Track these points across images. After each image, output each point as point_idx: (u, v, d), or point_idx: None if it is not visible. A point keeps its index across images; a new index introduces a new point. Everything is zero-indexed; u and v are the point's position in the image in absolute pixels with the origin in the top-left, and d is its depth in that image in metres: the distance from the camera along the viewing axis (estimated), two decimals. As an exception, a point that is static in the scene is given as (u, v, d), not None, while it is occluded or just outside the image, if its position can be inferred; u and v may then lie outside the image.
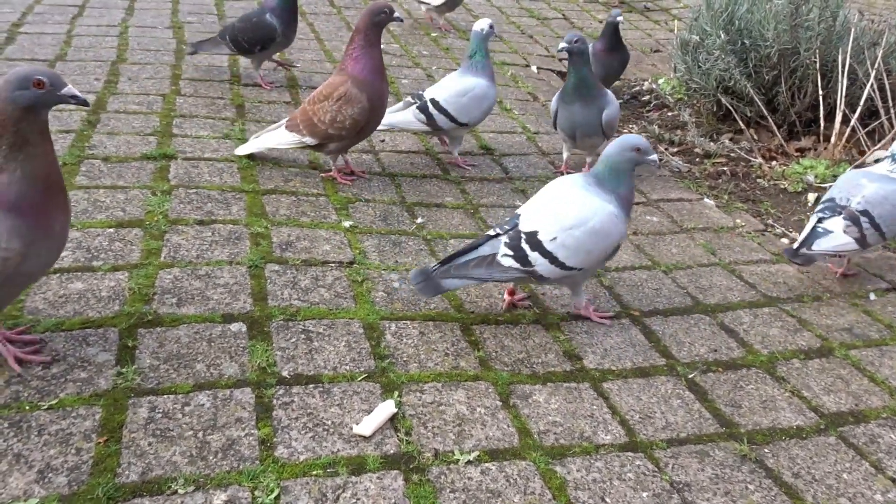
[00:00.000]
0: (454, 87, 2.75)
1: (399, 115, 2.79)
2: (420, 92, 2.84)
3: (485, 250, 1.86)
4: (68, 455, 1.37)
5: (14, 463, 1.34)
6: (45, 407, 1.47)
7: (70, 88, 1.40)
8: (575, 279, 1.92)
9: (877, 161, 2.56)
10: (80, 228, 2.07)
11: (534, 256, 1.82)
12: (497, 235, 1.89)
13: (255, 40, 3.22)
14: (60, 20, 4.01)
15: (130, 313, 1.76)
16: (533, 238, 1.83)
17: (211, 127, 2.87)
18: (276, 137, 2.57)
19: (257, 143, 2.61)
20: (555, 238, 1.82)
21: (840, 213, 2.21)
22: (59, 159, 2.41)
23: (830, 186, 2.43)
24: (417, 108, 2.75)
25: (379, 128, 2.68)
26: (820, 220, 2.24)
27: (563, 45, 2.60)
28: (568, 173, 2.80)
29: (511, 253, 1.83)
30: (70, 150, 2.51)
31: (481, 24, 2.73)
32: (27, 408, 1.46)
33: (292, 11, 3.25)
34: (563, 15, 5.44)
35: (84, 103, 1.45)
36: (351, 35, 2.53)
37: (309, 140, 2.51)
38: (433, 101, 2.73)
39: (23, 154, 1.36)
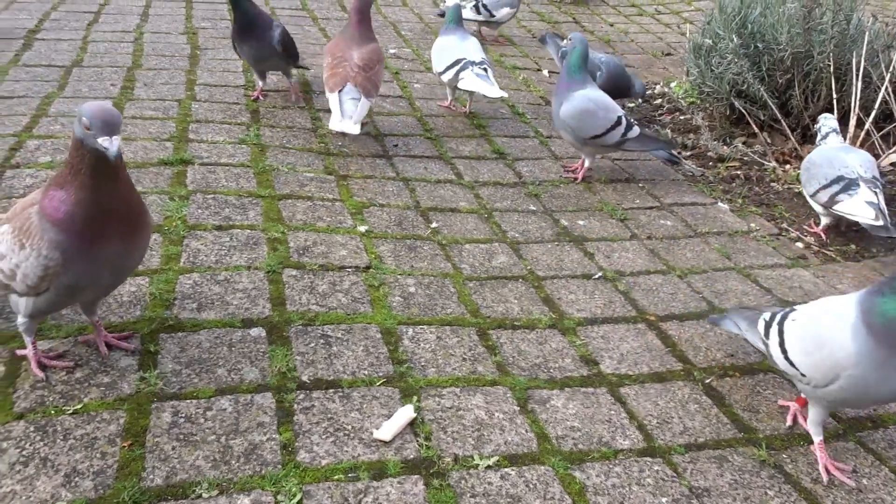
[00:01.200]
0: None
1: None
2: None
3: None
4: (94, 459, 1.39)
5: (41, 467, 1.36)
6: (70, 411, 1.49)
7: (105, 141, 1.36)
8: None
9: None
10: (100, 234, 2.09)
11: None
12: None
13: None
14: (76, 26, 4.05)
15: (152, 318, 1.78)
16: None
17: (227, 132, 2.90)
18: (364, 108, 2.83)
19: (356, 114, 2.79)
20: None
21: (869, 185, 2.48)
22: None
23: (808, 170, 2.66)
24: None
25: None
26: (850, 196, 2.47)
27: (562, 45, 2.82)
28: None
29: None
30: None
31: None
32: (53, 412, 1.48)
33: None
34: (574, 19, 5.45)
35: (110, 158, 1.38)
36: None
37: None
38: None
39: (77, 181, 1.40)
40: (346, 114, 2.77)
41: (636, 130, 2.82)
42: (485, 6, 4.36)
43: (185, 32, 4.13)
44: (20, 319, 1.55)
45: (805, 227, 2.75)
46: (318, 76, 3.70)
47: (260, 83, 3.28)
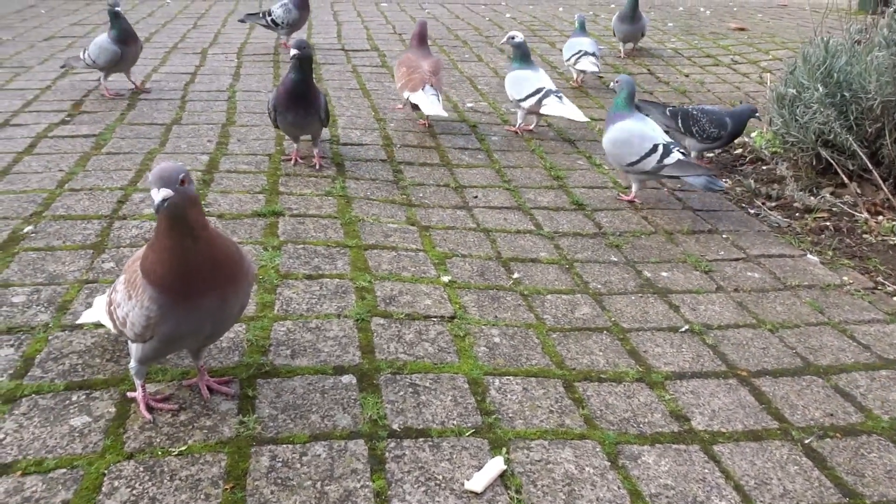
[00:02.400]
0: None
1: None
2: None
3: None
4: (198, 500, 1.44)
5: (150, 506, 1.42)
6: (176, 453, 1.56)
7: (154, 193, 1.39)
8: None
9: None
10: (200, 282, 2.21)
11: None
12: None
13: None
14: (175, 87, 4.34)
15: (249, 364, 1.85)
16: None
17: (314, 185, 3.02)
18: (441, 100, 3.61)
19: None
20: None
21: None
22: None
23: None
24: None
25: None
26: None
27: (612, 84, 3.15)
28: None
29: None
30: (188, 208, 2.69)
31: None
32: (159, 453, 1.55)
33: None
34: (649, 70, 5.47)
35: (155, 211, 1.42)
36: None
37: None
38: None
39: (157, 240, 1.49)
40: (433, 104, 3.48)
41: (675, 156, 2.93)
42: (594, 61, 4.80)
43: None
44: (132, 364, 1.64)
45: None
46: (397, 129, 3.82)
47: (295, 146, 3.28)
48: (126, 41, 3.93)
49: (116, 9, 3.90)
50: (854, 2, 7.20)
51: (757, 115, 3.59)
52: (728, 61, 5.84)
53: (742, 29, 7.22)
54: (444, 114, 3.55)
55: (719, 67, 5.66)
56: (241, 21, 5.78)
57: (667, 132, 3.47)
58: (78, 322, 1.94)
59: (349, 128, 3.77)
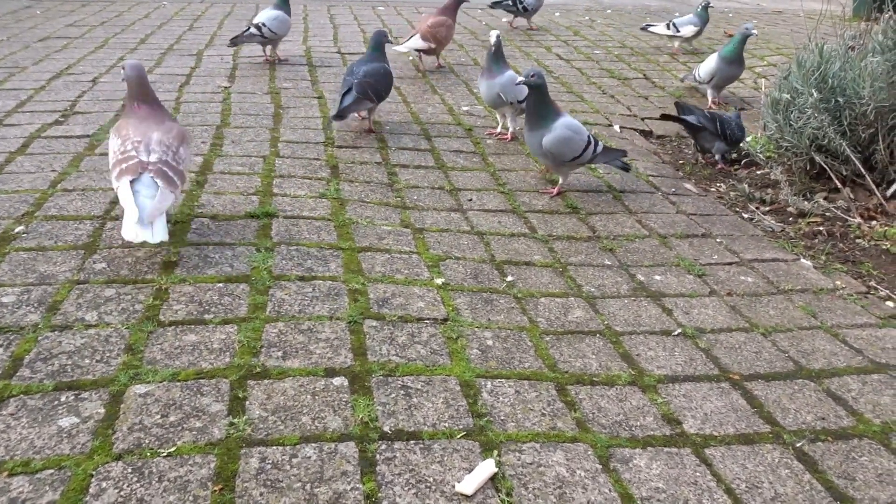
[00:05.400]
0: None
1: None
2: None
3: None
4: (187, 502, 1.43)
5: (138, 507, 1.41)
6: (165, 454, 1.55)
7: None
8: None
9: None
10: (192, 283, 2.20)
11: None
12: None
13: (388, 89, 3.77)
14: (170, 88, 4.33)
15: (240, 365, 1.84)
16: None
17: (308, 187, 3.01)
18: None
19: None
20: None
21: None
22: (172, 217, 2.59)
23: None
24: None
25: None
26: None
27: (520, 79, 3.08)
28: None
29: None
30: (181, 209, 2.68)
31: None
32: (148, 454, 1.54)
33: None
34: (644, 75, 5.48)
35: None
36: None
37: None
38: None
39: None
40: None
41: (601, 146, 3.18)
42: (673, 24, 5.07)
43: (268, 92, 4.36)
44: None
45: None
46: (393, 132, 3.82)
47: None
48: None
49: None
50: (848, 8, 7.24)
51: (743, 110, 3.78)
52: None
53: (731, 35, 7.26)
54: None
55: (714, 73, 5.67)
56: (232, 45, 5.00)
57: (700, 132, 3.68)
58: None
59: (343, 131, 3.76)
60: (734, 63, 4.60)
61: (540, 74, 3.06)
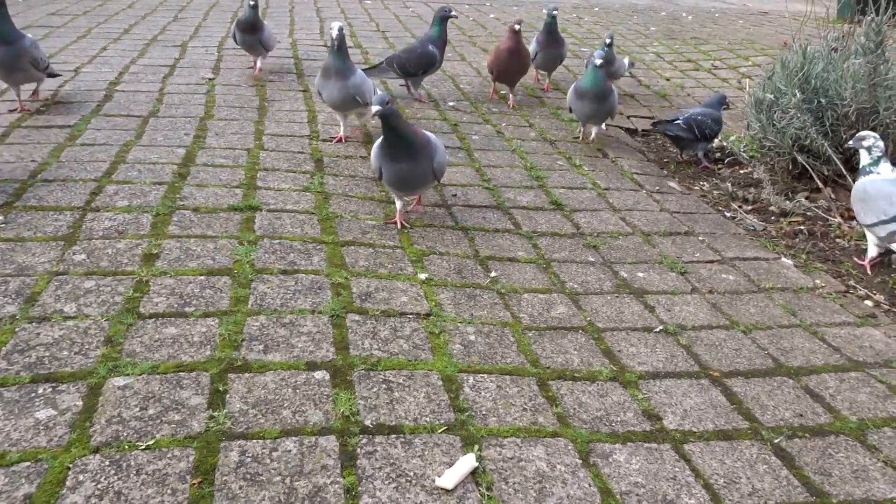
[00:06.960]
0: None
1: None
2: None
3: None
4: (165, 495, 1.42)
5: (115, 500, 1.40)
6: (143, 447, 1.53)
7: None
8: None
9: None
10: (173, 275, 2.18)
11: None
12: None
13: (420, 66, 4.11)
14: (153, 79, 4.29)
15: (221, 358, 1.83)
16: None
17: (292, 180, 3.00)
18: None
19: None
20: None
21: None
22: (152, 209, 2.56)
23: (864, 201, 2.70)
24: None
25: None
26: None
27: (375, 108, 2.43)
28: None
29: None
30: (162, 201, 2.66)
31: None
32: (126, 447, 1.53)
33: (444, 43, 4.16)
34: (630, 74, 5.50)
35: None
36: None
37: None
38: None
39: None
40: None
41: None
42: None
43: (253, 85, 4.33)
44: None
45: (856, 259, 2.86)
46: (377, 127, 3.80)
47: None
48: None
49: None
50: (832, 10, 7.30)
51: (727, 100, 3.76)
52: (708, 66, 5.89)
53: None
54: None
55: (699, 72, 5.71)
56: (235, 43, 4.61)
57: (681, 141, 3.73)
58: None
59: (329, 123, 3.75)
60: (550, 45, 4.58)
61: (392, 101, 2.49)
